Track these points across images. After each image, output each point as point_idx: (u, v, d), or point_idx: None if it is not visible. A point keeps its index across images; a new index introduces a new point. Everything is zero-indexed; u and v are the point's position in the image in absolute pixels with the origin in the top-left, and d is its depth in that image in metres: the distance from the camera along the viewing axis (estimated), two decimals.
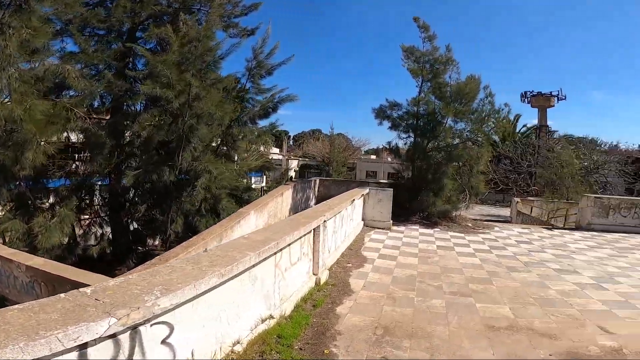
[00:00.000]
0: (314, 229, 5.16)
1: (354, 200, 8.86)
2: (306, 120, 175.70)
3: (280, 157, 46.68)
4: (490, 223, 12.66)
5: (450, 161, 12.03)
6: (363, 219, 10.76)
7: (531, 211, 17.56)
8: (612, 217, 11.41)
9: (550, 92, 30.94)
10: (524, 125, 35.15)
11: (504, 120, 11.70)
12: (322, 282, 5.31)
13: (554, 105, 31.07)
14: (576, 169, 20.90)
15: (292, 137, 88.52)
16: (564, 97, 31.03)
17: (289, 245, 4.19)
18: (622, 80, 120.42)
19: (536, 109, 31.71)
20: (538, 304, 4.91)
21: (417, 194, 11.98)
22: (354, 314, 4.36)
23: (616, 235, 10.66)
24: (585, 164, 27.29)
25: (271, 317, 3.71)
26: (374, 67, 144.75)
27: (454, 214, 11.87)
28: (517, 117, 35.17)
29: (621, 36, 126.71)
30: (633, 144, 33.82)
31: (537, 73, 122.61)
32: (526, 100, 32.35)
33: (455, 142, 12.36)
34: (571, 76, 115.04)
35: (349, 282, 5.53)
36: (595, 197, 11.63)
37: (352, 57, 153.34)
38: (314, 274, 5.26)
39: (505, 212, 22.13)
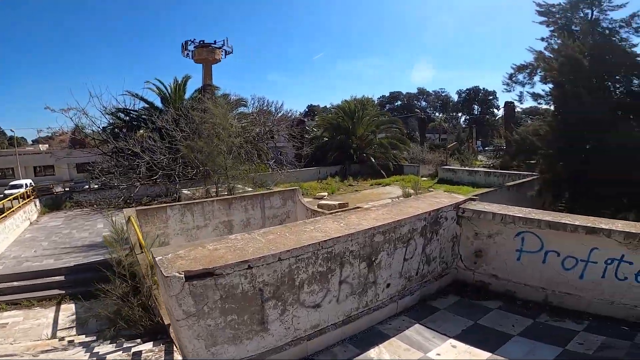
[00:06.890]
0: None
1: None
2: None
3: None
4: None
5: None
6: None
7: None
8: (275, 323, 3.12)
9: (215, 41, 25.08)
10: (196, 90, 28.65)
11: None
12: None
13: (220, 60, 25.60)
14: (234, 135, 14.92)
15: None
16: (230, 51, 26.12)
17: None
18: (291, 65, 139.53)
19: (201, 65, 25.41)
20: None
21: None
22: None
23: None
24: (258, 129, 23.74)
25: None
26: None
27: None
28: (186, 78, 27.89)
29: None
30: (296, 111, 34.41)
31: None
32: (189, 54, 25.33)
33: None
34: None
35: None
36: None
37: None
38: None
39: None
